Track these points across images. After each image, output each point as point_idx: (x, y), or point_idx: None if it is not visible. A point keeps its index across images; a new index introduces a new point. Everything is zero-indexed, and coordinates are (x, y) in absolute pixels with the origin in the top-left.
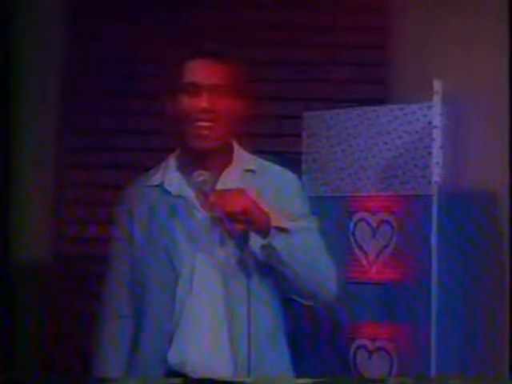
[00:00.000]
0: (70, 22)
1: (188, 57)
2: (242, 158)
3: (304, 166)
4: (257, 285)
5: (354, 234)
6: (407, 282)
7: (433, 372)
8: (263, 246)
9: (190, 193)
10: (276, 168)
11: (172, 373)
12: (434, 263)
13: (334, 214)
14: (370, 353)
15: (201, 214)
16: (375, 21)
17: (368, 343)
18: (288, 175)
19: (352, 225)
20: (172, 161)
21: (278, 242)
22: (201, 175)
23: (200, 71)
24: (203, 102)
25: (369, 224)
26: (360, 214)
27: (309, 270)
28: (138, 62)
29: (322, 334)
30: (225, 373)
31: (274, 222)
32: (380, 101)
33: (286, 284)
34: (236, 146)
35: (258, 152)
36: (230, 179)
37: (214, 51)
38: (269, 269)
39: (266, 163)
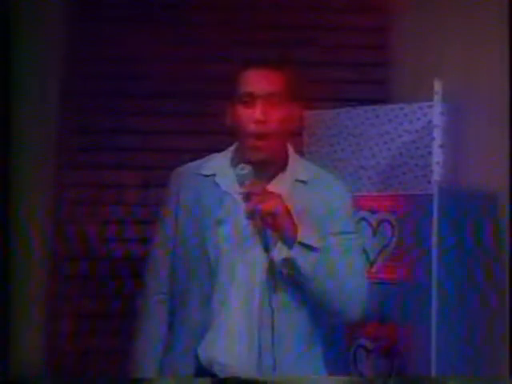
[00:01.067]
0: (70, 22)
1: (242, 67)
2: (296, 166)
3: None
4: (289, 290)
5: None
6: (407, 282)
7: (433, 372)
8: (285, 259)
9: (237, 190)
10: (329, 179)
11: (201, 370)
12: (433, 263)
13: None
14: (370, 353)
15: (244, 213)
16: (375, 21)
17: (368, 343)
18: (339, 188)
19: None
20: (229, 155)
21: (301, 258)
22: (243, 168)
23: (255, 81)
24: (258, 114)
25: (369, 224)
26: (360, 214)
27: (333, 291)
28: (138, 62)
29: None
30: (251, 374)
31: (301, 238)
32: (380, 101)
33: (311, 300)
34: (291, 152)
35: None
36: (278, 187)
37: (265, 60)
38: (293, 281)
39: (320, 172)
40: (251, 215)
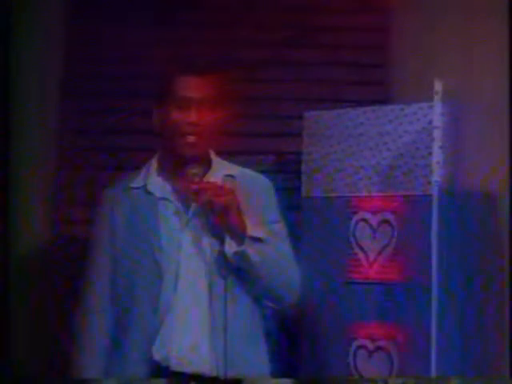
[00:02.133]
0: (69, 22)
1: (180, 71)
2: (221, 164)
3: (304, 166)
4: (235, 284)
5: (354, 233)
6: (407, 282)
7: (433, 372)
8: (236, 253)
9: (172, 195)
10: (251, 173)
11: (155, 368)
12: (434, 263)
13: (334, 214)
14: (370, 353)
15: (184, 215)
16: (375, 21)
17: (368, 343)
18: (263, 181)
19: (352, 225)
20: (154, 164)
21: (252, 250)
22: (194, 167)
23: (191, 86)
24: (192, 116)
25: (369, 224)
26: (360, 214)
27: (277, 276)
28: (138, 63)
29: (321, 333)
30: (205, 368)
31: (249, 231)
32: (380, 101)
33: (256, 287)
34: (213, 154)
35: (258, 152)
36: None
37: (203, 66)
38: (243, 271)
39: (242, 169)
40: (203, 210)
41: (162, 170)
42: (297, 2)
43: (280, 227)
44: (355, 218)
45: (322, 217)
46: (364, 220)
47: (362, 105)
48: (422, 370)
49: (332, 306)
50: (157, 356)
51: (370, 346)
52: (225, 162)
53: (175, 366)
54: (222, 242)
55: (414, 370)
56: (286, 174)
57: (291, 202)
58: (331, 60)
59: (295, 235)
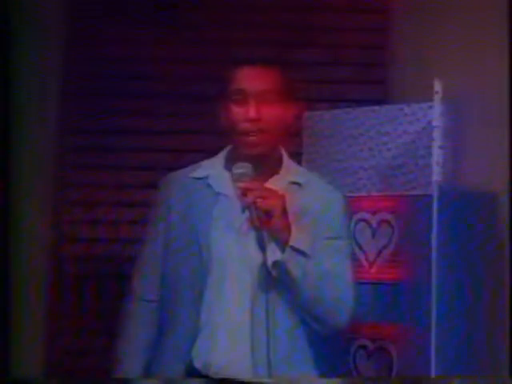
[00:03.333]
0: (69, 22)
1: (235, 64)
2: (290, 169)
3: (304, 166)
4: (278, 298)
5: (354, 234)
6: (407, 281)
7: (433, 372)
8: (275, 263)
9: (232, 191)
10: (323, 184)
11: (193, 371)
12: (434, 263)
13: None
14: (370, 353)
15: (239, 216)
16: (376, 21)
17: (368, 343)
18: (333, 193)
19: (352, 225)
20: (221, 157)
21: (292, 262)
22: (242, 167)
23: (248, 78)
24: (251, 112)
25: (369, 224)
26: (360, 214)
27: (320, 296)
28: (139, 63)
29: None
30: (246, 374)
31: (293, 242)
32: (380, 101)
33: (297, 304)
34: (285, 156)
35: None
36: (274, 188)
37: (259, 58)
38: (285, 285)
39: (314, 177)
40: (248, 211)
41: (228, 165)
42: (297, 2)
43: (340, 245)
44: (355, 217)
45: None
46: (364, 220)
47: (361, 105)
48: (421, 370)
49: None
50: (197, 363)
51: (370, 345)
52: (296, 167)
53: (215, 375)
54: (265, 249)
55: (413, 370)
56: None
57: None
58: (331, 60)
59: None
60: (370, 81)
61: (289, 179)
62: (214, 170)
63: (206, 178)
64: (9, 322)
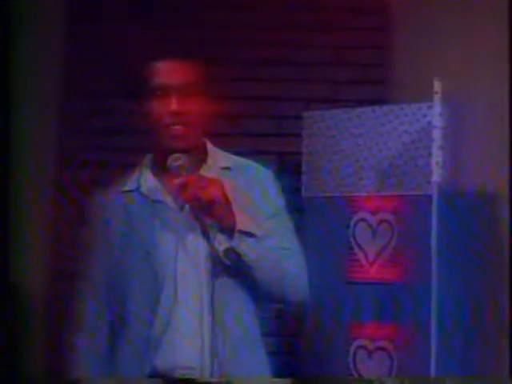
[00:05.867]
0: (69, 22)
1: (155, 58)
2: (217, 155)
3: (304, 166)
4: (233, 286)
5: (354, 234)
6: (407, 282)
7: (433, 372)
8: (226, 250)
9: (167, 195)
10: (252, 165)
11: (154, 372)
12: (433, 263)
13: (334, 214)
14: (370, 353)
15: (179, 216)
16: (375, 21)
17: (368, 343)
18: (263, 172)
19: (352, 225)
20: (145, 165)
21: (243, 247)
22: (176, 159)
23: (168, 72)
24: (173, 105)
25: (369, 224)
26: (360, 214)
27: (278, 275)
28: (138, 63)
29: (321, 333)
30: (205, 374)
31: (241, 226)
32: (380, 101)
33: (256, 288)
34: (209, 145)
35: (258, 152)
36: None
37: (179, 51)
38: (237, 272)
39: (242, 160)
40: (190, 206)
41: (156, 169)
42: (297, 2)
43: (281, 220)
44: (355, 217)
45: (322, 217)
46: (364, 220)
47: (361, 105)
48: (421, 370)
49: (332, 306)
50: (160, 368)
51: (370, 346)
52: (222, 153)
53: (172, 375)
54: (212, 241)
55: (413, 369)
56: (286, 173)
57: (291, 201)
58: (331, 60)
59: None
60: (370, 81)
61: (218, 165)
62: (143, 178)
63: (138, 188)
64: (9, 320)
